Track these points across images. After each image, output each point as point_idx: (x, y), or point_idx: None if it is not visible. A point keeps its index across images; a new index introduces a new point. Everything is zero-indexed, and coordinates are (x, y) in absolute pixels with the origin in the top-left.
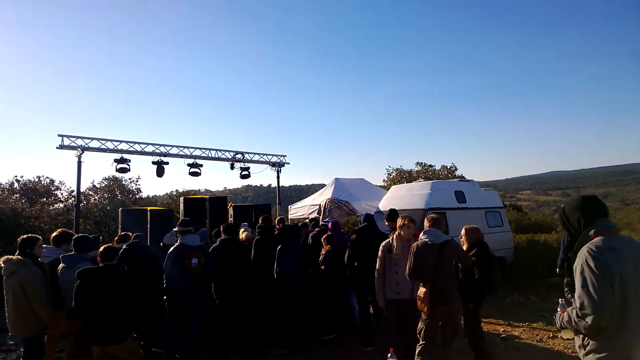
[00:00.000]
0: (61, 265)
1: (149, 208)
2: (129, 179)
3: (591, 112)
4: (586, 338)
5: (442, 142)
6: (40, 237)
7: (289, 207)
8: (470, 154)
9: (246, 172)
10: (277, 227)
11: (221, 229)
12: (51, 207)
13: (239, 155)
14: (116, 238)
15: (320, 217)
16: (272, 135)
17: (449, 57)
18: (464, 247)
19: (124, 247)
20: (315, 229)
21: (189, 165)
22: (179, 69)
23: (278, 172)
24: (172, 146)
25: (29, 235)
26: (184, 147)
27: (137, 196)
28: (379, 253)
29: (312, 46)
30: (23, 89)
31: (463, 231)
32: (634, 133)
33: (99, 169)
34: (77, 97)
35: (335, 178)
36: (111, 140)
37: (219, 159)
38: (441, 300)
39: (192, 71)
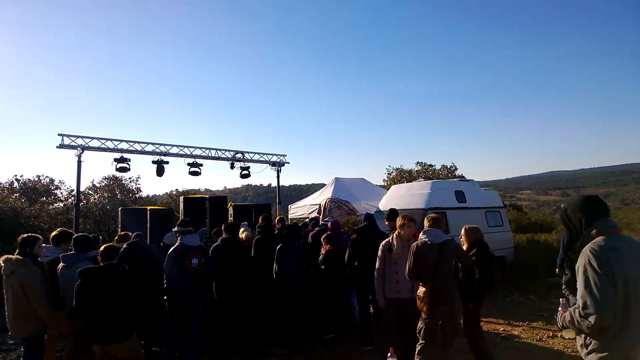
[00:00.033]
0: (61, 264)
1: (148, 207)
2: (129, 178)
3: (591, 112)
4: (588, 337)
5: (442, 142)
6: (40, 236)
7: (289, 206)
8: (470, 154)
9: (246, 172)
10: (277, 226)
11: (222, 228)
12: (51, 207)
13: (239, 155)
14: (116, 237)
15: (320, 216)
16: (272, 134)
17: (449, 57)
18: (464, 247)
19: (124, 246)
20: (315, 229)
21: (188, 164)
22: (179, 69)
23: (278, 171)
24: (172, 145)
25: (29, 234)
26: (184, 147)
27: (137, 195)
28: (379, 252)
29: (312, 46)
30: (23, 89)
31: (463, 231)
32: (634, 133)
33: (98, 169)
34: (77, 96)
35: (335, 178)
36: (111, 140)
37: (219, 158)
38: (441, 299)
39: (192, 71)
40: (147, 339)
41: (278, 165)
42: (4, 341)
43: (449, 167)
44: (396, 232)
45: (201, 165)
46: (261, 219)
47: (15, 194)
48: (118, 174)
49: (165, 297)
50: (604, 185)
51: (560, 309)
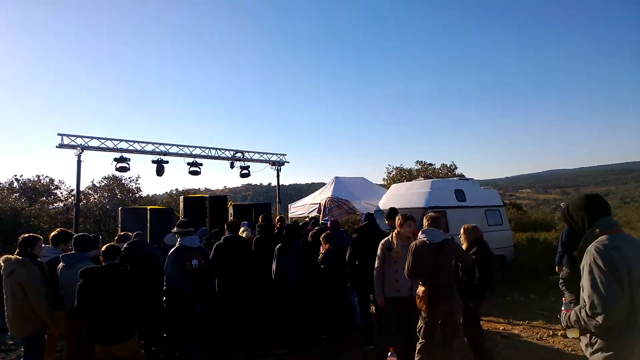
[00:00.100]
0: (61, 264)
1: (148, 207)
2: (129, 178)
3: (590, 111)
4: (594, 337)
5: (441, 141)
6: (40, 237)
7: (289, 206)
8: (469, 153)
9: (246, 171)
10: (277, 226)
11: (225, 227)
12: (51, 207)
13: (238, 154)
14: (116, 237)
15: (320, 215)
16: (272, 134)
17: (449, 57)
18: (464, 246)
19: (124, 246)
20: (315, 228)
21: (188, 164)
22: (179, 69)
23: (278, 171)
24: (172, 145)
25: (30, 234)
26: (184, 146)
27: (137, 195)
28: (378, 251)
29: (312, 46)
30: (23, 89)
31: (462, 230)
32: (633, 132)
33: (98, 168)
34: (77, 96)
35: (335, 177)
36: (111, 139)
37: (218, 157)
38: (440, 299)
39: (192, 70)
40: (147, 339)
41: (278, 164)
42: (3, 341)
43: (448, 166)
44: (395, 231)
45: (201, 164)
46: (261, 218)
47: (15, 194)
48: (118, 174)
49: (164, 299)
50: (603, 184)
51: (563, 308)
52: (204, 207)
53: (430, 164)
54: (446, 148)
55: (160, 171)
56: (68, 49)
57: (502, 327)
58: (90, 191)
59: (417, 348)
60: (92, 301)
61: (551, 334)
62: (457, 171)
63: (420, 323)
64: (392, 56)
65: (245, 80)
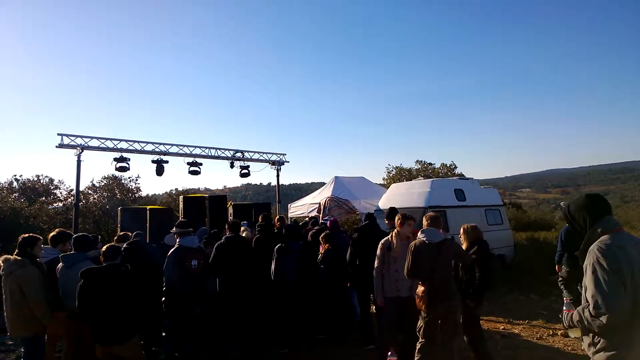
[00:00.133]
0: (60, 264)
1: (148, 207)
2: (129, 177)
3: (590, 111)
4: (597, 336)
5: (441, 141)
6: (40, 237)
7: (289, 205)
8: (469, 152)
9: (246, 171)
10: (277, 225)
11: (226, 227)
12: (50, 207)
13: (238, 154)
14: (116, 237)
15: (320, 215)
16: (272, 134)
17: (449, 57)
18: (464, 246)
19: (124, 246)
20: (315, 227)
21: (188, 163)
22: (179, 68)
23: (278, 170)
24: (172, 145)
25: (30, 234)
26: (184, 146)
27: (137, 195)
28: (378, 251)
29: (312, 46)
30: (23, 88)
31: (462, 230)
32: (633, 131)
33: (98, 168)
34: (77, 96)
35: (335, 176)
36: (111, 139)
37: (218, 157)
38: (439, 298)
39: (192, 70)
40: (147, 339)
41: (278, 164)
42: (3, 342)
43: (448, 165)
44: (395, 230)
45: (201, 164)
46: (261, 218)
47: (14, 194)
48: (117, 174)
49: (163, 299)
50: (603, 183)
51: (564, 308)
52: (203, 207)
53: (430, 164)
54: (446, 147)
55: (160, 171)
56: (68, 48)
57: (502, 327)
58: (89, 191)
59: (417, 348)
60: (93, 302)
61: (551, 333)
62: (457, 170)
63: (420, 323)
64: (392, 56)
65: (245, 80)
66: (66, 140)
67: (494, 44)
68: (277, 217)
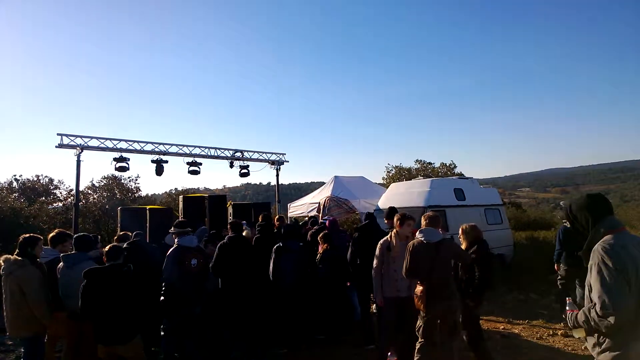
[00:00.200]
0: (61, 264)
1: (148, 207)
2: (128, 177)
3: (590, 110)
4: (602, 336)
5: (441, 140)
6: (41, 237)
7: (289, 205)
8: (469, 152)
9: (245, 171)
10: (277, 225)
11: (228, 227)
12: (50, 206)
13: (238, 154)
14: (115, 237)
15: (320, 215)
16: (272, 133)
17: (449, 57)
18: (463, 246)
19: (124, 246)
20: (314, 227)
21: (188, 163)
22: (179, 68)
23: (277, 170)
24: (172, 145)
25: (31, 235)
26: (183, 146)
27: (136, 195)
28: (377, 251)
29: (312, 45)
30: (23, 88)
31: (460, 230)
32: (633, 130)
33: (98, 168)
34: (77, 96)
35: (335, 176)
36: (110, 139)
37: (218, 157)
38: (438, 298)
39: (192, 70)
40: (146, 339)
41: (277, 163)
42: (2, 342)
43: (448, 164)
44: (394, 230)
45: (200, 164)
46: (261, 218)
47: (14, 194)
48: (117, 174)
49: (162, 299)
50: (603, 182)
51: (567, 308)
52: (203, 206)
53: (430, 163)
54: (445, 147)
55: (159, 171)
56: (68, 48)
57: (502, 327)
58: (89, 191)
59: (417, 348)
60: (96, 302)
61: (551, 333)
62: (457, 170)
63: (419, 322)
64: (392, 56)
65: (245, 80)
66: (66, 140)
67: (494, 44)
68: (277, 216)
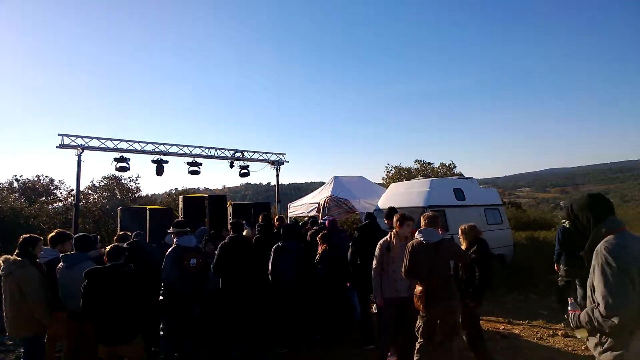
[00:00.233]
0: (61, 264)
1: (148, 207)
2: (129, 177)
3: (590, 110)
4: (604, 336)
5: (440, 140)
6: (41, 237)
7: (288, 205)
8: (469, 152)
9: (245, 171)
10: (276, 225)
11: (229, 227)
12: (50, 207)
13: (238, 154)
14: (115, 237)
15: (320, 215)
16: (272, 133)
17: (449, 57)
18: (463, 246)
19: (123, 246)
20: (314, 227)
21: (188, 163)
22: (179, 68)
23: (277, 170)
24: (172, 145)
25: (32, 235)
26: (184, 146)
27: (137, 195)
28: (376, 252)
29: (312, 45)
30: (23, 88)
31: (460, 231)
32: (633, 130)
33: (98, 168)
34: (77, 96)
35: (335, 176)
36: (111, 139)
37: (218, 157)
38: (437, 298)
39: (192, 70)
40: (146, 340)
41: (277, 163)
42: (2, 342)
43: (447, 165)
44: (394, 231)
45: (200, 164)
46: (261, 218)
47: (14, 194)
48: (118, 174)
49: (161, 298)
50: (602, 182)
51: (570, 308)
52: (203, 206)
53: (429, 163)
54: (445, 147)
55: (160, 171)
56: (68, 47)
57: (503, 327)
58: (89, 191)
59: (416, 348)
60: (98, 302)
61: (551, 333)
62: (456, 170)
63: (418, 322)
64: (392, 56)
65: (245, 80)
66: (67, 141)
67: (494, 44)
68: (277, 216)
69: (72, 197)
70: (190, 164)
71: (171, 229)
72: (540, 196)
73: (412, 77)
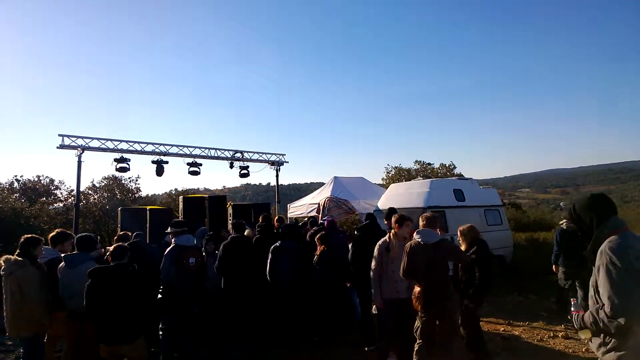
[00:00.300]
0: (62, 264)
1: (148, 207)
2: (129, 178)
3: (590, 110)
4: (608, 336)
5: (440, 141)
6: (42, 238)
7: (288, 205)
8: (469, 153)
9: (245, 171)
10: (276, 226)
11: (231, 227)
12: (51, 207)
13: (238, 154)
14: (115, 237)
15: (320, 215)
16: (272, 134)
17: (449, 57)
18: (462, 247)
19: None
20: (313, 228)
21: (188, 164)
22: (179, 68)
23: (277, 170)
24: (172, 145)
25: (33, 235)
26: (184, 147)
27: (137, 195)
28: (375, 253)
29: (312, 46)
30: (24, 88)
31: (459, 232)
32: (633, 131)
33: (99, 169)
34: (77, 96)
35: (335, 177)
36: (111, 140)
37: (218, 158)
38: (435, 299)
39: (192, 70)
40: (146, 340)
41: (277, 164)
42: (2, 342)
43: (447, 165)
44: (393, 231)
45: (200, 164)
46: (261, 218)
47: (15, 194)
48: (118, 174)
49: (160, 297)
50: (603, 183)
51: (573, 309)
52: (203, 207)
53: (429, 164)
54: (445, 147)
55: (160, 171)
56: (68, 48)
57: (503, 328)
58: (90, 191)
59: (415, 349)
60: (101, 301)
61: (552, 335)
62: (456, 171)
63: (417, 323)
64: (392, 56)
65: (245, 80)
66: (67, 141)
67: (494, 44)
68: (277, 217)
69: (72, 198)
70: (190, 165)
71: (169, 229)
72: (540, 197)
73: (412, 77)
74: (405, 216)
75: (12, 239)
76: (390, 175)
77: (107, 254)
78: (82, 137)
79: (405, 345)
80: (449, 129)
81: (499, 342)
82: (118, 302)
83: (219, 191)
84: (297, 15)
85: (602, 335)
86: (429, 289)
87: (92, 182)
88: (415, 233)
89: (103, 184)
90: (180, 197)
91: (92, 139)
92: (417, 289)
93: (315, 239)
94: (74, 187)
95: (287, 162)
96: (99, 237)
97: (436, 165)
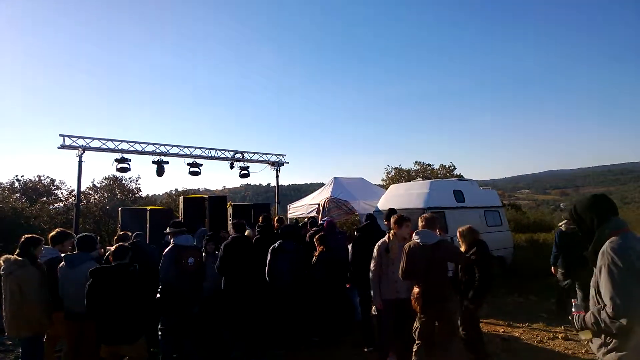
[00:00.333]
0: (62, 264)
1: (148, 207)
2: (129, 178)
3: (590, 112)
4: (609, 337)
5: (441, 141)
6: (42, 238)
7: (288, 206)
8: (468, 153)
9: (245, 172)
10: (276, 226)
11: (231, 227)
12: (51, 207)
13: (238, 155)
14: (115, 237)
15: (319, 216)
16: (272, 134)
17: (449, 57)
18: (462, 248)
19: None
20: (313, 228)
21: (188, 164)
22: (179, 68)
23: (277, 171)
24: (172, 146)
25: (33, 235)
26: (184, 147)
27: (137, 195)
28: (374, 253)
29: (312, 46)
30: (24, 88)
31: (458, 234)
32: (633, 132)
33: (99, 169)
34: (78, 96)
35: (335, 177)
36: (112, 140)
37: (218, 158)
38: (434, 300)
39: (192, 70)
40: (146, 340)
41: (277, 164)
42: (2, 342)
43: (447, 166)
44: (392, 232)
45: (201, 165)
46: (261, 219)
47: (15, 194)
48: (118, 174)
49: (159, 296)
50: (603, 184)
51: (574, 309)
52: (203, 207)
53: (429, 165)
54: (445, 148)
55: (160, 172)
56: (68, 48)
57: (502, 330)
58: (90, 191)
59: (414, 349)
60: (103, 301)
61: (552, 336)
62: (456, 172)
63: (416, 324)
64: (392, 56)
65: (245, 80)
66: (68, 141)
67: (494, 44)
68: (277, 217)
69: (73, 198)
70: (191, 165)
71: (168, 229)
72: (540, 198)
73: (412, 77)
74: (404, 217)
75: (13, 239)
76: (390, 176)
77: (108, 253)
78: (83, 138)
79: (405, 346)
80: (449, 130)
81: (498, 343)
82: (119, 302)
83: (219, 191)
84: (297, 15)
85: (602, 335)
86: (428, 290)
87: (92, 182)
88: (414, 234)
89: (103, 184)
90: (181, 198)
91: (93, 139)
92: (415, 289)
93: (314, 240)
94: (75, 187)
95: (287, 162)
96: (99, 237)
97: (436, 166)
